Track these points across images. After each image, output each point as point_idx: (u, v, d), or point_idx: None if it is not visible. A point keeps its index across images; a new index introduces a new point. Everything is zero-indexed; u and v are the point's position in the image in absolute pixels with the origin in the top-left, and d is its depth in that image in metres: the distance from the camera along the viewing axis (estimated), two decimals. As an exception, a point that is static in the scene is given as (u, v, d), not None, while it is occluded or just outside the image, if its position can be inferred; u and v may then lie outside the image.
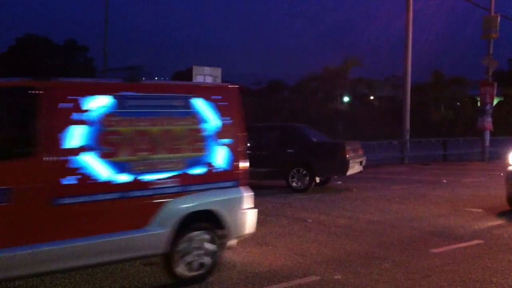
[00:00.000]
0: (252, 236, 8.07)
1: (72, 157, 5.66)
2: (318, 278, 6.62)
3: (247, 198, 7.07)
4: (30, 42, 48.86)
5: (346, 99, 47.98)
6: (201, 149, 6.61)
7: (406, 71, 22.21)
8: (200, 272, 6.49)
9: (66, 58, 48.51)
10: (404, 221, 9.89)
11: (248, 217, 7.09)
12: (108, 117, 5.94)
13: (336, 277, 6.66)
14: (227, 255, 7.51)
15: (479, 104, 25.05)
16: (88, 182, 5.73)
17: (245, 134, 7.14)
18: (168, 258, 6.32)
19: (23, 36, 50.73)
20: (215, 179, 6.71)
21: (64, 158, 5.62)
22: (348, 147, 14.21)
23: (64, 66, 44.16)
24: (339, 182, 15.82)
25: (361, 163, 14.85)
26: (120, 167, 5.96)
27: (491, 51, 24.27)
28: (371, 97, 57.40)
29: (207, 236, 6.58)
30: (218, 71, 24.26)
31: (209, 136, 6.69)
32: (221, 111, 6.84)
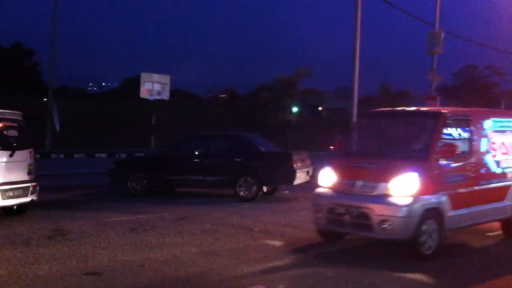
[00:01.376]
0: (199, 244, 7.95)
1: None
2: (263, 287, 6.61)
3: None
4: (-27, 43, 47.18)
5: (295, 109, 48.37)
6: None
7: (354, 83, 22.59)
8: None
9: (12, 61, 47.05)
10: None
11: None
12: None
13: (280, 286, 6.66)
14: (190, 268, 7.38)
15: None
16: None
17: None
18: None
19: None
20: None
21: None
22: (295, 157, 14.28)
23: (10, 69, 42.80)
24: (286, 192, 15.87)
25: (308, 172, 14.94)
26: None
27: (435, 66, 24.97)
28: (320, 108, 58.05)
29: None
30: (167, 78, 24.24)
31: None
32: None
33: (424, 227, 8.40)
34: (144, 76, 31.08)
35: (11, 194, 10.83)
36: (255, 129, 33.98)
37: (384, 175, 8.61)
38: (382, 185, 8.57)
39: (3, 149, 11.02)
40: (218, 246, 8.71)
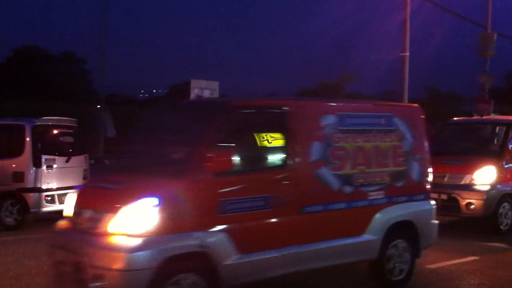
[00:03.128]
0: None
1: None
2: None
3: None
4: (28, 53, 48.88)
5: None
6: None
7: (403, 87, 22.34)
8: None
9: (64, 70, 48.53)
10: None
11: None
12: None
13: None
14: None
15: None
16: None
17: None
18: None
19: (21, 47, 50.73)
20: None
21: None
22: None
23: (61, 78, 44.16)
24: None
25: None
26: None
27: (487, 68, 24.39)
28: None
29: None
30: (215, 85, 24.60)
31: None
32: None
33: None
34: (193, 82, 31.60)
35: (67, 198, 11.24)
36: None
37: None
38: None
39: (60, 155, 11.47)
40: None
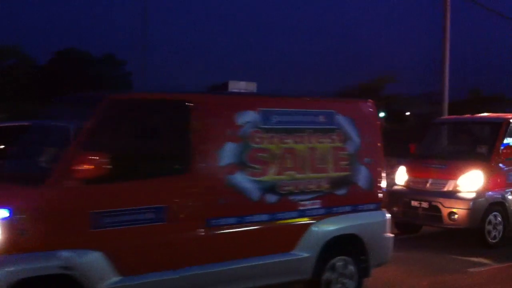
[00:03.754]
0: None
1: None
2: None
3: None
4: (70, 55, 49.95)
5: (381, 114, 47.61)
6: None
7: (443, 88, 21.98)
8: None
9: (104, 72, 49.49)
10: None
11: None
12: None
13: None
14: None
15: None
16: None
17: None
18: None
19: (63, 49, 51.85)
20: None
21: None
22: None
23: (101, 80, 45.07)
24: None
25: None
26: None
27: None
28: (407, 113, 56.73)
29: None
30: (253, 86, 24.69)
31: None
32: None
33: None
34: (231, 83, 31.77)
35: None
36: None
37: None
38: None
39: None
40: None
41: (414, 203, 10.47)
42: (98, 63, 51.41)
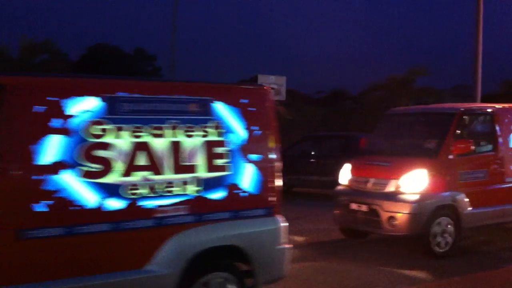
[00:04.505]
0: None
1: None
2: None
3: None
4: (101, 51, 50.59)
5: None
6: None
7: (476, 81, 21.65)
8: None
9: (135, 67, 50.03)
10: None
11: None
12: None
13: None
14: None
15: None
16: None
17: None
18: None
19: (94, 45, 52.55)
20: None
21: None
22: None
23: (133, 75, 45.59)
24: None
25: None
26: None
27: None
28: (438, 107, 56.11)
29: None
30: (282, 80, 24.43)
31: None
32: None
33: None
34: (261, 77, 31.83)
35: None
36: (364, 129, 33.58)
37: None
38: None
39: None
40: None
41: (353, 206, 9.26)
42: (129, 58, 52.00)
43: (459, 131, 9.21)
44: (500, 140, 9.35)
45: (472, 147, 8.92)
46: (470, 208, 9.08)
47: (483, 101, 21.41)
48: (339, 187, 9.86)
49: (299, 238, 9.90)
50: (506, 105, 11.08)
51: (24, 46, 25.90)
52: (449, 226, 8.87)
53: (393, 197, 8.80)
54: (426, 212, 8.65)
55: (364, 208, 9.03)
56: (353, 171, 9.69)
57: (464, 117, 9.39)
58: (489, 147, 9.48)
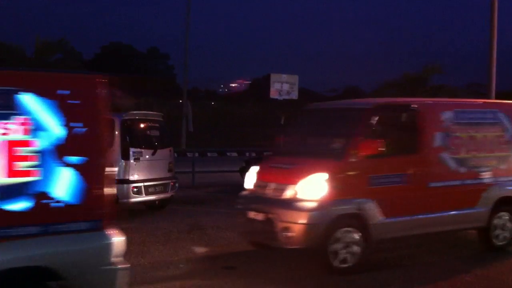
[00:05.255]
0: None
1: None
2: None
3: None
4: (115, 49, 50.93)
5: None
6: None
7: (490, 79, 21.50)
8: None
9: (149, 66, 50.29)
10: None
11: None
12: None
13: None
14: None
15: None
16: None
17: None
18: None
19: (108, 44, 52.95)
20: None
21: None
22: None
23: (147, 73, 45.77)
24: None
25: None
26: None
27: None
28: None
29: None
30: (295, 78, 24.63)
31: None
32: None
33: None
34: (273, 77, 31.99)
35: (153, 190, 11.65)
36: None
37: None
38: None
39: (146, 148, 11.87)
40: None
41: (251, 215, 7.93)
42: (142, 57, 52.31)
43: (371, 130, 7.88)
44: (424, 139, 8.10)
45: (381, 148, 7.63)
46: (381, 218, 7.62)
47: (497, 98, 21.23)
48: (243, 192, 8.63)
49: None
50: (442, 99, 9.87)
51: (39, 45, 26.09)
52: (354, 237, 7.45)
53: (289, 204, 7.51)
54: (324, 222, 7.31)
55: (260, 217, 7.77)
56: (258, 174, 8.45)
57: (377, 113, 8.03)
58: (410, 147, 8.15)
